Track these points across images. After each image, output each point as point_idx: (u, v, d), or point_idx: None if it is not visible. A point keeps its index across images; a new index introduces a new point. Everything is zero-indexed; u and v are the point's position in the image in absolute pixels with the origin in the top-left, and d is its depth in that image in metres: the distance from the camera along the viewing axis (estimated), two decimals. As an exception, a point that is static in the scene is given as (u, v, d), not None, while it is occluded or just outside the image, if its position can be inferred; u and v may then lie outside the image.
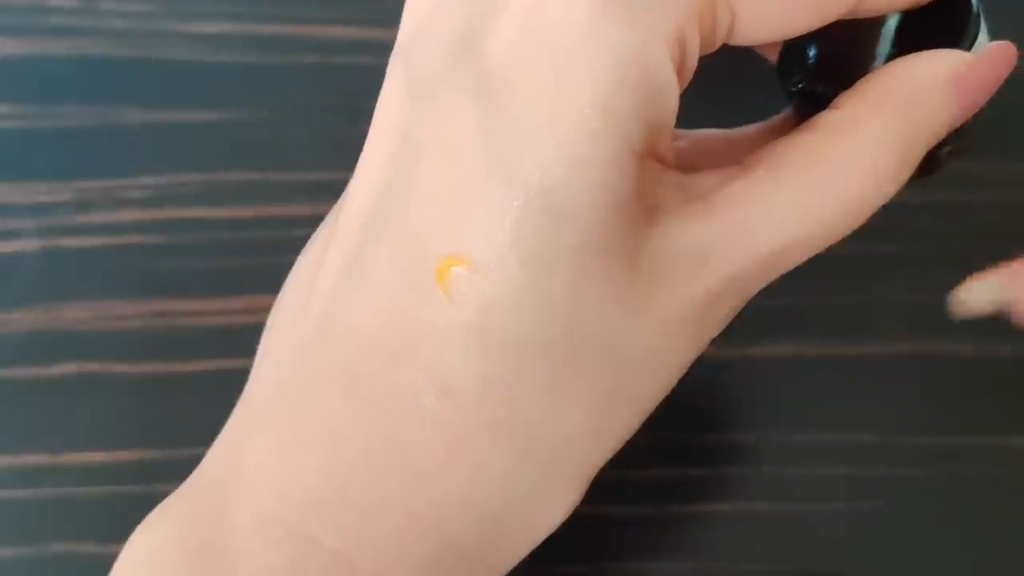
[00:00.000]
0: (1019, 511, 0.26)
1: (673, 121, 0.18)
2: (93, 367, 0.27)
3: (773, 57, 0.22)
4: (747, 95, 0.23)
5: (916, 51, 0.20)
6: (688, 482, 0.26)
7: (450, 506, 0.18)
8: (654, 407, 0.19)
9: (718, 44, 0.19)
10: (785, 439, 0.27)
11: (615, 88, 0.17)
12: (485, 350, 0.18)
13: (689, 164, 0.20)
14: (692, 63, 0.19)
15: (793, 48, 0.21)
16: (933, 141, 0.19)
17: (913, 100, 0.19)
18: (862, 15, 0.20)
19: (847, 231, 0.19)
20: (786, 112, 0.22)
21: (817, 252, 0.19)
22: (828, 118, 0.19)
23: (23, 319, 0.27)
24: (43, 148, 0.29)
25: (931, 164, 0.20)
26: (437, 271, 0.18)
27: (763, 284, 0.19)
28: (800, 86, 0.21)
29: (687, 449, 0.27)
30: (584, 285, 0.18)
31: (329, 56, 0.30)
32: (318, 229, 0.22)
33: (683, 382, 0.20)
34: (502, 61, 0.18)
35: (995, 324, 0.27)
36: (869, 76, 0.19)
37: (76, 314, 0.27)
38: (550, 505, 0.19)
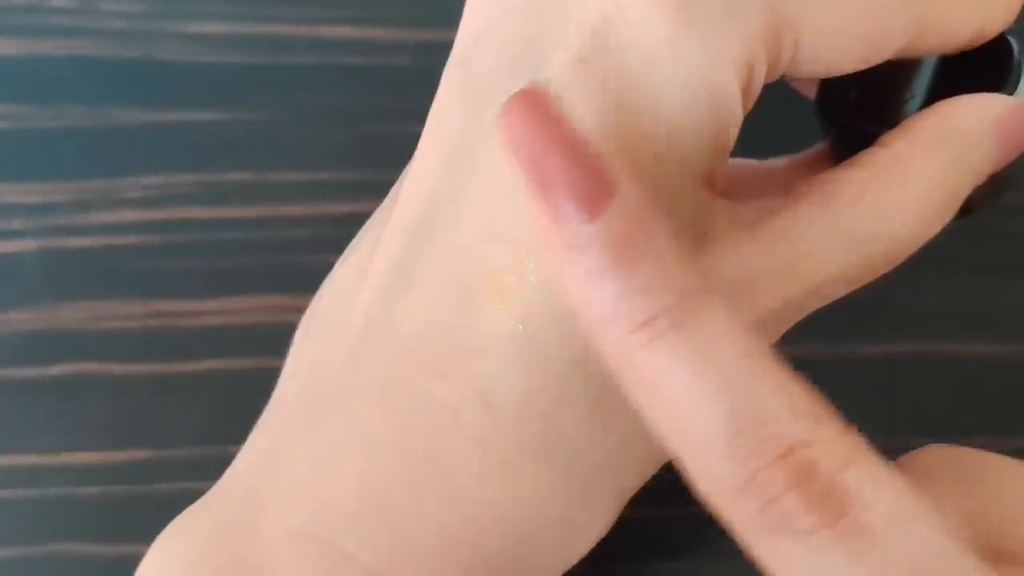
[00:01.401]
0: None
1: (731, 147, 0.18)
2: (91, 367, 0.27)
3: (811, 92, 0.22)
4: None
5: (955, 92, 0.20)
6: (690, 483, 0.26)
7: (485, 524, 0.18)
8: None
9: (779, 74, 0.19)
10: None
11: (682, 111, 0.17)
12: (530, 364, 0.17)
13: (723, 192, 0.20)
14: (756, 91, 0.18)
15: (833, 84, 0.21)
16: (976, 183, 0.20)
17: (961, 143, 0.19)
18: (913, 55, 0.20)
19: (889, 268, 0.19)
20: (819, 145, 0.22)
21: (858, 286, 0.19)
22: (876, 156, 0.19)
23: (21, 319, 0.27)
24: (42, 148, 0.29)
25: (965, 206, 0.20)
26: (486, 282, 0.18)
27: (803, 315, 0.19)
28: (839, 121, 0.21)
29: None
30: None
31: (329, 56, 0.30)
32: (359, 233, 0.22)
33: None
34: (566, 74, 0.17)
35: (996, 324, 0.27)
36: (917, 116, 0.19)
37: (74, 314, 0.27)
38: (584, 528, 0.19)
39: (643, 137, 0.17)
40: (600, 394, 0.18)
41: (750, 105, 0.19)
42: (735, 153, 0.22)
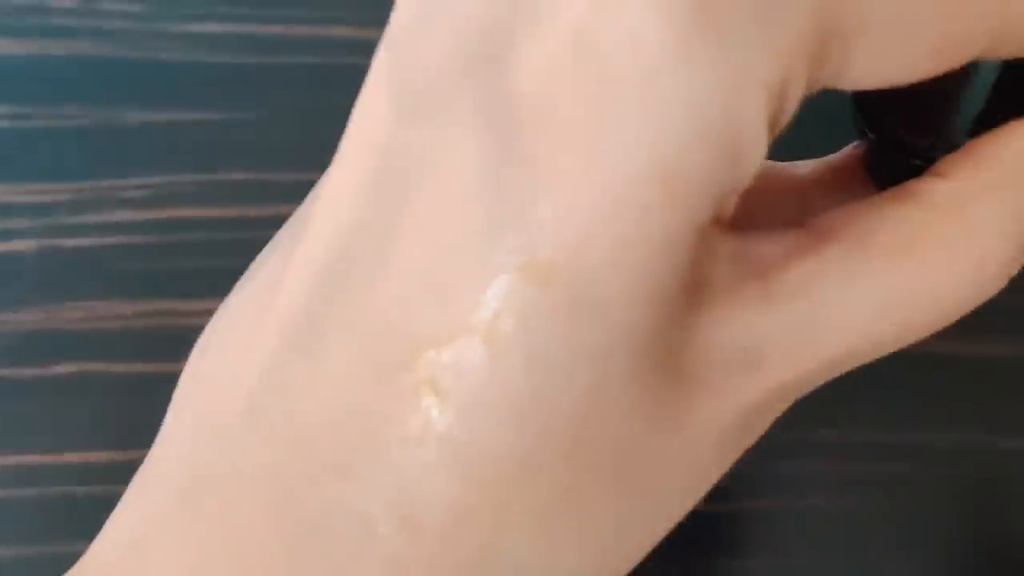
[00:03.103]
0: (1016, 512, 0.26)
1: (749, 183, 0.14)
2: (92, 367, 0.27)
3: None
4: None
5: (1020, 96, 0.16)
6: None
7: None
8: (666, 534, 0.16)
9: (816, 89, 0.14)
10: (784, 437, 0.27)
11: (685, 148, 0.13)
12: (465, 469, 0.13)
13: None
14: (788, 115, 0.14)
15: None
16: None
17: None
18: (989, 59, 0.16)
19: (929, 333, 0.15)
20: (851, 148, 0.19)
21: (887, 353, 0.15)
22: (932, 190, 0.15)
23: (22, 319, 0.27)
24: (42, 148, 0.29)
25: None
26: (415, 356, 0.13)
27: (810, 389, 0.15)
28: (876, 124, 0.17)
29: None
30: (606, 394, 0.13)
31: (328, 56, 0.30)
32: (270, 244, 0.17)
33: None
34: (533, 85, 0.13)
35: (997, 324, 0.27)
36: (984, 140, 0.15)
37: (75, 314, 0.27)
38: None
39: (633, 181, 0.13)
40: (558, 504, 0.14)
41: (780, 131, 0.14)
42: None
